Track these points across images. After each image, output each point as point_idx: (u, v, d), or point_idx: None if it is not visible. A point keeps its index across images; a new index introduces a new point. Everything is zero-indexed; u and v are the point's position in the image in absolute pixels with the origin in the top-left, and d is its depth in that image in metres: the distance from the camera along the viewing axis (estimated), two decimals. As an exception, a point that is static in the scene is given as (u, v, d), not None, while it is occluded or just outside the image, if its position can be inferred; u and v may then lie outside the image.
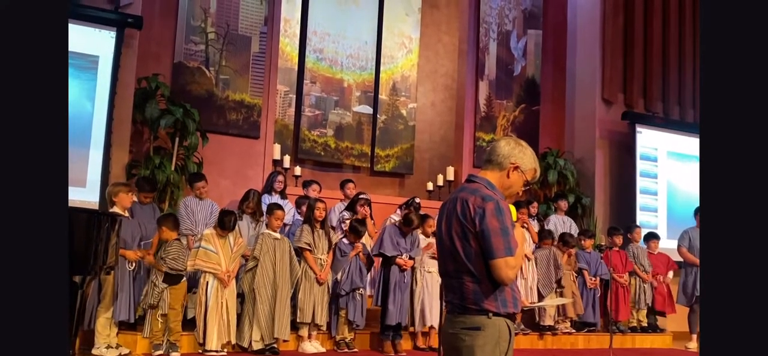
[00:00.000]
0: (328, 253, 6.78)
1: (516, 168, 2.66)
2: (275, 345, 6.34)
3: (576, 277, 8.30)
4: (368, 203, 7.67)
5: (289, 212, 7.64)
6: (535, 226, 8.43)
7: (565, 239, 8.32)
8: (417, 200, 8.13)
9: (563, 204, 9.33)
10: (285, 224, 7.34)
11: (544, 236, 8.11)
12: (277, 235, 6.54)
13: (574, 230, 8.95)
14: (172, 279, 6.09)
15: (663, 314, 8.95)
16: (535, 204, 8.84)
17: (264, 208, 7.36)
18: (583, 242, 8.57)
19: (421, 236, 7.32)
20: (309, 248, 6.66)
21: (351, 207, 7.68)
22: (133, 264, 6.11)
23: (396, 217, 7.61)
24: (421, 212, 7.93)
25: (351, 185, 8.24)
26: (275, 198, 7.69)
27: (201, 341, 6.17)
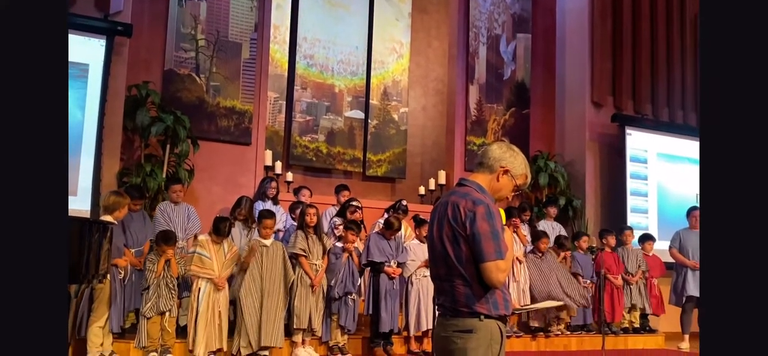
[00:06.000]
0: (322, 258, 6.79)
1: (506, 172, 2.68)
2: (267, 353, 6.32)
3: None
4: (359, 208, 7.68)
5: (281, 218, 7.64)
6: (525, 230, 8.45)
7: (560, 242, 8.37)
8: (403, 202, 8.15)
9: (552, 210, 9.34)
10: (278, 230, 7.34)
11: (539, 236, 8.13)
12: (267, 242, 6.53)
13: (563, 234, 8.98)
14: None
15: (656, 315, 8.99)
16: (529, 212, 8.85)
17: (256, 214, 7.37)
18: (578, 244, 8.65)
19: (417, 242, 7.35)
20: (304, 253, 6.66)
21: (341, 213, 7.70)
22: (123, 272, 6.11)
23: (383, 221, 7.63)
24: (412, 215, 7.97)
25: (346, 192, 8.23)
26: (268, 204, 7.69)
27: (191, 348, 6.16)
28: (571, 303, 7.88)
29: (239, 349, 6.29)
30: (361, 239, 7.40)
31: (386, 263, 6.91)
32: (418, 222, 7.42)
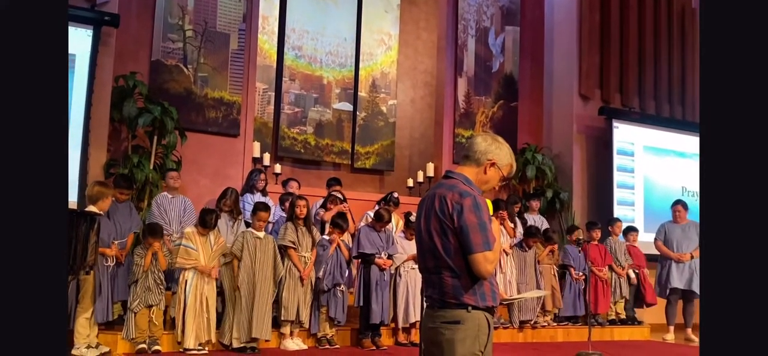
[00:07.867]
0: (311, 250, 6.79)
1: (492, 164, 2.70)
2: (255, 345, 6.33)
3: (556, 272, 8.40)
4: (340, 200, 7.68)
5: (272, 210, 7.62)
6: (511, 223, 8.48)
7: (547, 235, 8.42)
8: (395, 194, 8.16)
9: (535, 204, 9.34)
10: (269, 222, 7.33)
11: (532, 234, 8.15)
12: (260, 234, 6.54)
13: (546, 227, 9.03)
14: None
15: (650, 305, 9.03)
16: (519, 205, 8.88)
17: (242, 206, 7.37)
18: (570, 237, 8.71)
19: (400, 236, 7.37)
20: (293, 246, 6.66)
21: (325, 204, 7.73)
22: (109, 261, 6.08)
23: (373, 213, 7.63)
24: (404, 211, 7.98)
25: (338, 187, 8.20)
26: (257, 196, 7.68)
27: (180, 339, 6.15)
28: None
29: (231, 341, 6.29)
30: (347, 231, 7.41)
31: (377, 255, 6.93)
32: (409, 224, 7.37)
